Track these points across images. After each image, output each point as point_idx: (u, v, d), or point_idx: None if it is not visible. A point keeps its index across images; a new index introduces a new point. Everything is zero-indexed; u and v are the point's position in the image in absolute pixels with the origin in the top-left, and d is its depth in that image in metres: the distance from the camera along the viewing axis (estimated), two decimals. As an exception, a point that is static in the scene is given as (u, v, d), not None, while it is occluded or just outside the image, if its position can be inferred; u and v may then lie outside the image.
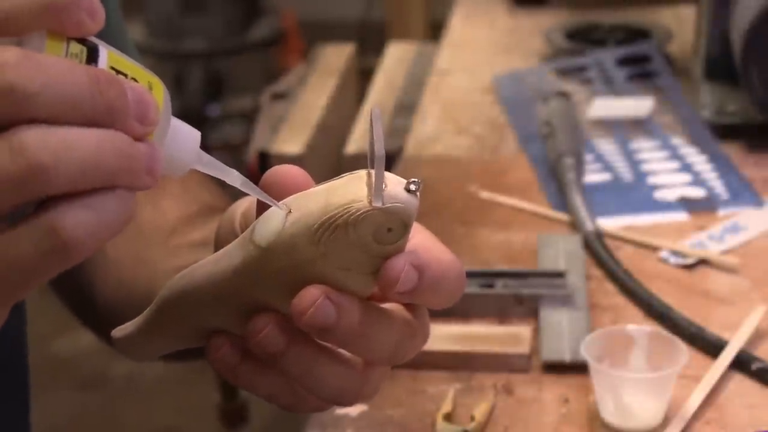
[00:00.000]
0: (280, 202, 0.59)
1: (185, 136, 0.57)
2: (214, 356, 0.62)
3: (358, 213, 0.57)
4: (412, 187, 0.58)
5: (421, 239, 0.62)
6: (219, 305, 0.61)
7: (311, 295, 0.58)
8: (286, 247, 0.58)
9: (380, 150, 0.57)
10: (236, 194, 0.64)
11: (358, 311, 0.59)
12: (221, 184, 0.61)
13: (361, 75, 1.71)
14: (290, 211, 0.59)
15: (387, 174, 0.58)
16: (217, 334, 0.62)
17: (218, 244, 0.66)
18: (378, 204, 0.57)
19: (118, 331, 0.64)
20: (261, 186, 0.61)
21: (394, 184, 0.58)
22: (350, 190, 0.58)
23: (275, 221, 0.59)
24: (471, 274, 0.98)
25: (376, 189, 0.57)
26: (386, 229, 0.58)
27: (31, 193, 0.51)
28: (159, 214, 0.86)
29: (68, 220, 0.51)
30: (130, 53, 0.59)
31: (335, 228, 0.58)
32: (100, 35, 0.54)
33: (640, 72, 1.41)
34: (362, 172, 0.59)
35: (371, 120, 0.58)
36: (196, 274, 0.62)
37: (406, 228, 0.58)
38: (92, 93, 0.51)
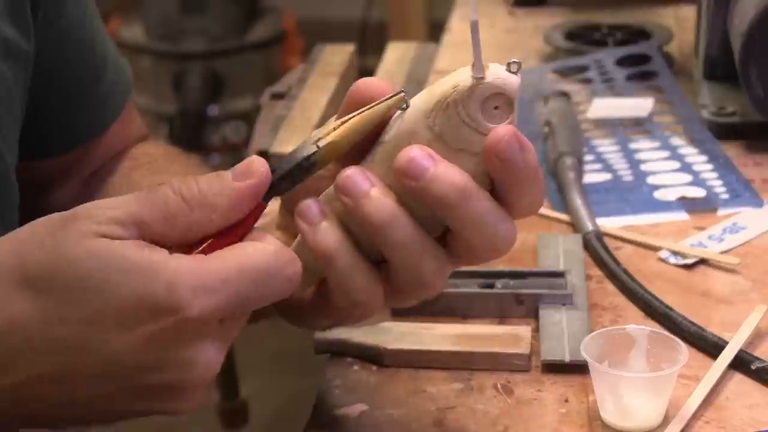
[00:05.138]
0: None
1: None
2: None
3: (465, 89, 0.64)
4: (513, 67, 0.65)
5: None
6: None
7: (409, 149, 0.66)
8: (407, 135, 0.66)
9: (474, 16, 0.65)
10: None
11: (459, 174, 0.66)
12: None
13: (361, 75, 1.70)
14: (407, 106, 0.66)
15: (490, 63, 0.65)
16: None
17: None
18: (479, 75, 0.64)
19: None
20: (350, 94, 0.69)
21: (496, 66, 0.65)
22: (454, 77, 0.66)
23: (396, 120, 0.67)
24: (471, 274, 0.98)
25: (476, 59, 0.64)
26: (493, 106, 0.65)
27: None
28: None
29: None
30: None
31: (447, 107, 0.65)
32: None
33: (640, 72, 1.41)
34: (462, 68, 0.65)
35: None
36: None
37: (510, 105, 0.65)
38: None
